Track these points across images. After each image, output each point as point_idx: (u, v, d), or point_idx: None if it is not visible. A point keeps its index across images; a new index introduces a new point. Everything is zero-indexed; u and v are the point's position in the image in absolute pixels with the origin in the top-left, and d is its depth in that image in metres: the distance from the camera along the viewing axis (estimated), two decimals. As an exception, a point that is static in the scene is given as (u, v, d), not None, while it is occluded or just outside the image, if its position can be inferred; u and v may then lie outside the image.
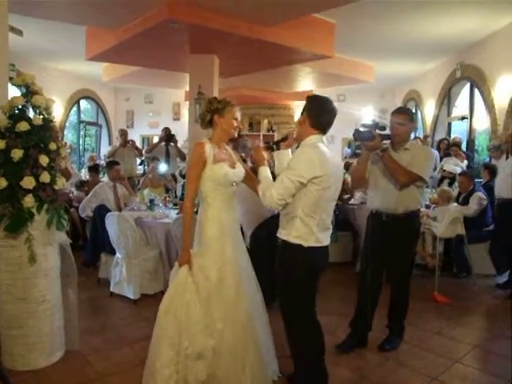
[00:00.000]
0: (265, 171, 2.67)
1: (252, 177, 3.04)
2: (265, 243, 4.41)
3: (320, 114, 2.62)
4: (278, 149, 2.90)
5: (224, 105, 2.86)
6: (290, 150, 2.84)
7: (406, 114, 3.50)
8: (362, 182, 3.70)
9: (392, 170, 3.37)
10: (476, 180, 6.07)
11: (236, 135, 3.03)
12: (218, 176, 2.81)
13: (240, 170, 2.96)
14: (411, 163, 3.36)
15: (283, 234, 2.60)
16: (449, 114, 9.65)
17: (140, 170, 9.33)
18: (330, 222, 2.64)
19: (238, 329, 2.74)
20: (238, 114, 2.91)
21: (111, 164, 6.14)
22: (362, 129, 3.38)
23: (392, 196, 3.43)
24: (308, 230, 2.52)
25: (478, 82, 7.71)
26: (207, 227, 2.83)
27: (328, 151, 2.60)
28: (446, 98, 9.46)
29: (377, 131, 3.33)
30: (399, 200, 3.42)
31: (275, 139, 2.89)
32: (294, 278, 2.58)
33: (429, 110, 10.23)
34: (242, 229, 4.55)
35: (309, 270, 2.58)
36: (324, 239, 2.61)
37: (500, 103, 6.98)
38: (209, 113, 2.89)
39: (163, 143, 8.08)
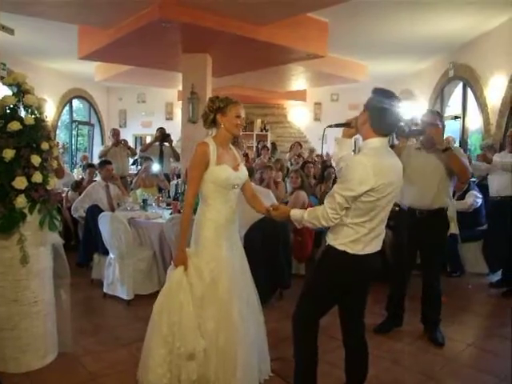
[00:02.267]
0: (295, 211, 2.59)
1: (248, 183, 3.05)
2: (258, 243, 4.42)
3: (383, 116, 2.38)
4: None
5: (226, 103, 2.79)
6: (353, 140, 2.72)
7: (437, 116, 3.75)
8: None
9: (459, 167, 3.52)
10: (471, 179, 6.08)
11: (240, 133, 2.97)
12: (220, 178, 2.76)
13: (243, 173, 2.92)
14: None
15: (331, 238, 2.49)
16: (442, 113, 9.69)
17: (133, 169, 9.28)
18: (382, 228, 2.49)
19: (231, 331, 2.72)
20: (242, 112, 2.82)
21: (103, 163, 6.11)
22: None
23: (429, 193, 3.62)
24: (356, 238, 2.39)
25: (471, 81, 7.75)
26: (204, 228, 2.80)
27: (389, 156, 2.44)
28: (439, 98, 9.49)
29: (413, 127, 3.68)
30: (436, 197, 3.63)
31: (336, 123, 2.67)
32: (330, 282, 2.51)
33: (422, 110, 10.25)
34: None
35: (349, 275, 2.50)
36: (372, 248, 2.45)
37: (492, 102, 7.02)
38: (211, 112, 2.82)
39: (157, 143, 8.05)
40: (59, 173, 7.23)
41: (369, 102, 2.43)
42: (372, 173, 2.26)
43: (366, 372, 2.69)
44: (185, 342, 2.63)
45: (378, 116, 2.38)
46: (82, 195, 5.77)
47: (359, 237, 2.39)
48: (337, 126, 2.71)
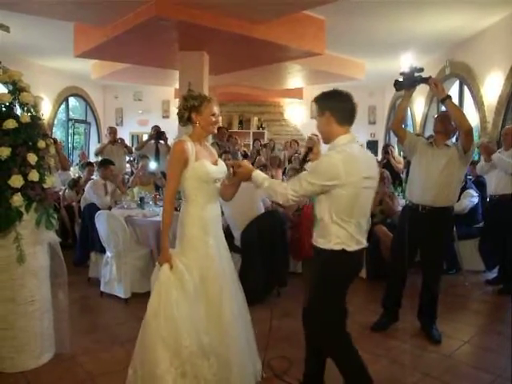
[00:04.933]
0: (259, 174, 2.61)
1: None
2: (255, 241, 4.42)
3: (343, 107, 2.48)
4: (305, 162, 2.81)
5: (200, 101, 2.74)
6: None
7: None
8: (400, 125, 3.94)
9: (457, 116, 3.56)
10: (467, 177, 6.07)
11: (215, 131, 2.97)
12: (201, 174, 2.74)
13: (222, 167, 2.89)
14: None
15: (322, 242, 2.50)
16: (438, 111, 9.69)
17: (128, 168, 9.25)
18: (365, 224, 2.56)
19: (223, 331, 2.67)
20: (216, 109, 2.80)
21: (105, 163, 6.04)
22: (401, 78, 3.72)
23: (432, 189, 3.62)
24: (347, 234, 2.43)
25: (467, 79, 7.75)
26: (189, 225, 2.76)
27: (361, 151, 2.48)
28: (436, 95, 9.49)
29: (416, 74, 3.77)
30: (439, 194, 3.62)
31: (301, 156, 2.79)
32: (337, 282, 2.54)
33: (418, 108, 10.27)
34: (229, 229, 4.59)
35: (352, 272, 2.59)
36: (361, 243, 2.52)
37: (489, 100, 7.02)
38: (186, 110, 2.77)
39: (153, 141, 8.04)
40: (64, 163, 7.20)
41: (324, 104, 2.49)
42: (341, 166, 2.33)
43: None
44: (192, 339, 2.54)
45: (338, 108, 2.45)
46: (91, 192, 5.60)
47: (350, 232, 2.43)
48: (304, 158, 2.87)
